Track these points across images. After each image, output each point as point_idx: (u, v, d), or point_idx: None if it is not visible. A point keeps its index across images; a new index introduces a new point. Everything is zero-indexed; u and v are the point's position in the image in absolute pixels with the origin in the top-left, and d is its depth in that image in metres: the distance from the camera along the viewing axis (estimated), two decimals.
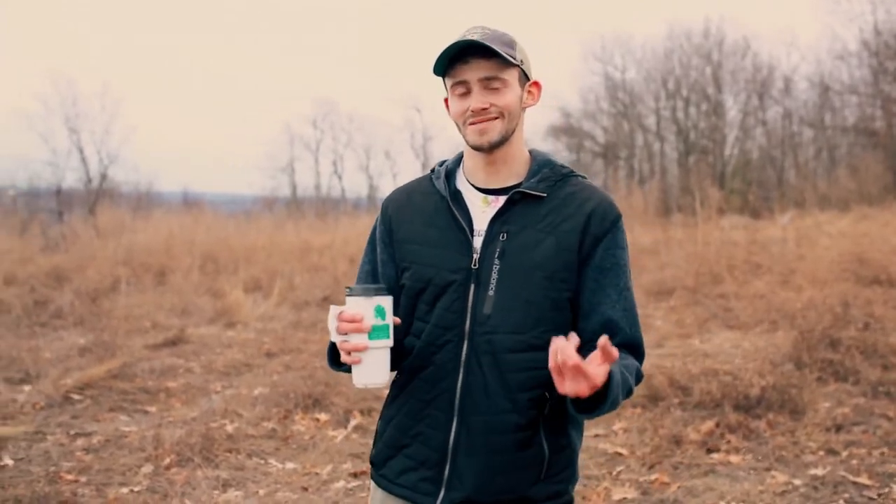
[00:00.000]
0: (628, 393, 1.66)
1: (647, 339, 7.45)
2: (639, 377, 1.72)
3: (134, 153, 51.41)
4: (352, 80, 73.78)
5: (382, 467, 1.82)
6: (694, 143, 31.17)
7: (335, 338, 1.63)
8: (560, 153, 34.83)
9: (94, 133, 31.95)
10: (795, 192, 23.51)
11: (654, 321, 8.69)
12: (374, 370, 1.62)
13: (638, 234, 14.38)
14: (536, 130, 33.29)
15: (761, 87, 30.16)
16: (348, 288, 1.64)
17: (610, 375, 1.51)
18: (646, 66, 32.91)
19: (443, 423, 1.71)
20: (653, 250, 12.83)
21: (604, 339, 1.45)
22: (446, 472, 1.71)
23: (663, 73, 32.09)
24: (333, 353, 1.75)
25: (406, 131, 50.62)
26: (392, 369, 1.70)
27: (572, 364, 1.42)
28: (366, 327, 1.58)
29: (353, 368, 1.62)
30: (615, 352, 1.45)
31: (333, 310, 1.63)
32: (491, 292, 1.69)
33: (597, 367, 1.46)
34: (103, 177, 29.17)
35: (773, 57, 36.63)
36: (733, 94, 31.19)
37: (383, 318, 1.60)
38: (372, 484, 1.87)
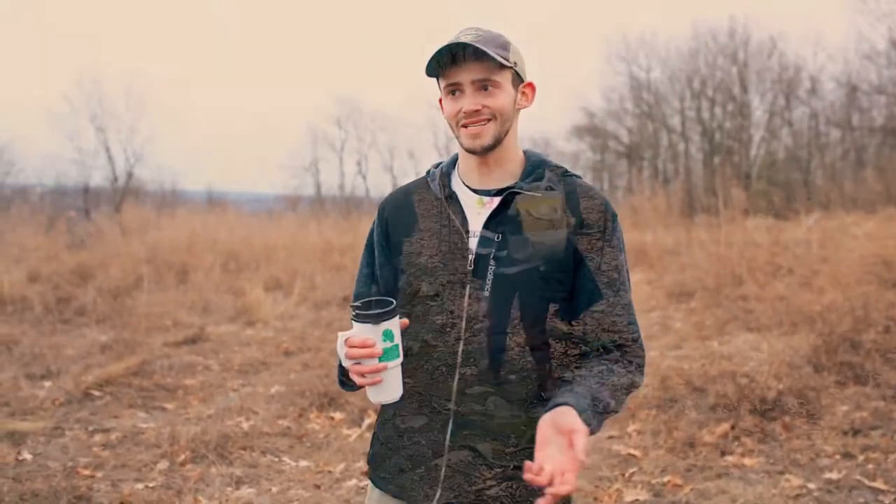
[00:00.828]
0: (615, 411, 1.63)
1: (666, 341, 7.37)
2: (632, 387, 1.69)
3: (159, 152, 51.80)
4: (374, 79, 74.02)
5: (379, 467, 1.82)
6: (719, 143, 30.88)
7: (346, 363, 1.61)
8: (584, 153, 34.75)
9: (119, 132, 32.17)
10: (821, 194, 23.23)
11: (673, 322, 8.64)
12: (388, 388, 1.61)
13: (661, 235, 14.29)
14: (560, 131, 33.22)
15: (788, 88, 29.82)
16: (353, 309, 1.60)
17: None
18: (671, 66, 32.61)
19: (439, 424, 1.71)
20: (675, 251, 12.74)
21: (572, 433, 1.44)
22: (442, 472, 1.70)
23: (688, 72, 31.79)
24: (343, 373, 1.74)
25: (429, 131, 50.58)
26: None
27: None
28: (377, 353, 1.56)
29: (368, 388, 1.61)
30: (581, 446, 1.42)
31: (341, 336, 1.62)
32: (486, 293, 1.68)
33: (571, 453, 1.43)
34: (129, 175, 29.51)
35: (800, 57, 36.30)
36: (759, 95, 30.86)
37: (392, 340, 1.58)
38: (369, 484, 1.87)
